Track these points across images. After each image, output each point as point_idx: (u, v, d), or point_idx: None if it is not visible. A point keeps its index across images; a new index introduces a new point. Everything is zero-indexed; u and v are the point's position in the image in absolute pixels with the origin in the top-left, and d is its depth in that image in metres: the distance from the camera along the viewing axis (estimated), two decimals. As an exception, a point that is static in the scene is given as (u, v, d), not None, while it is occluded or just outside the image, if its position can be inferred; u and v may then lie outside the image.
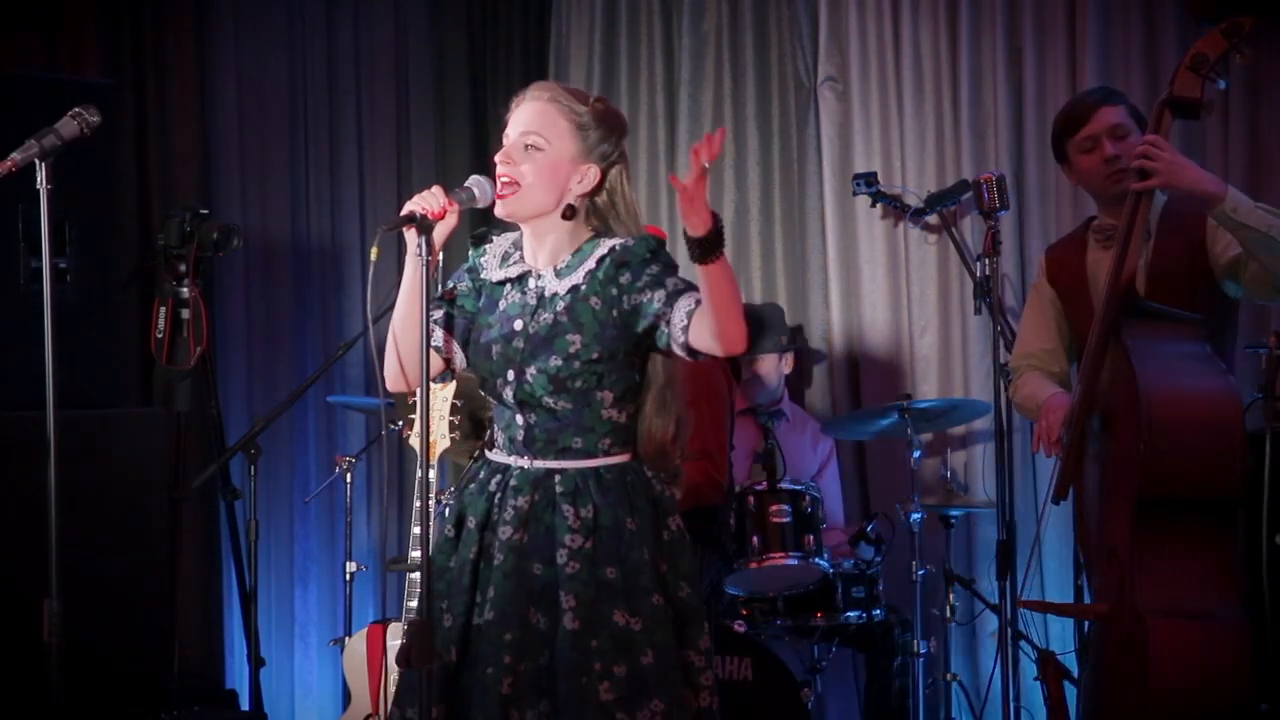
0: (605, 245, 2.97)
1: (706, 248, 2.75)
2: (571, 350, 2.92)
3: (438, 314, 3.06)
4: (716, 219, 2.76)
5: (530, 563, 2.92)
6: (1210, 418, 3.41)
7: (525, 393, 2.95)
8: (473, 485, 3.05)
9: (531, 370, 2.94)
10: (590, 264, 2.96)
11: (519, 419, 2.98)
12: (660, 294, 2.90)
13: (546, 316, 2.96)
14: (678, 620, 2.94)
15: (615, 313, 2.93)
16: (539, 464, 2.97)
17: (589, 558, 2.89)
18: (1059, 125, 3.92)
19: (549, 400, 2.94)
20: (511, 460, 3.00)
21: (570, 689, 2.84)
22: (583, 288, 2.95)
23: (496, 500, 2.98)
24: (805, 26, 5.57)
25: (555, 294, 2.97)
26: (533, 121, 2.97)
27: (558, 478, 2.95)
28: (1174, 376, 3.46)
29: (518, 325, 2.98)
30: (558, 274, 2.98)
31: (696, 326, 2.85)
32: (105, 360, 4.45)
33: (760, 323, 5.22)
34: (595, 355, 2.93)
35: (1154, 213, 3.74)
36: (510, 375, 2.97)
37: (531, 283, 3.02)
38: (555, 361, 2.92)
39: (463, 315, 3.07)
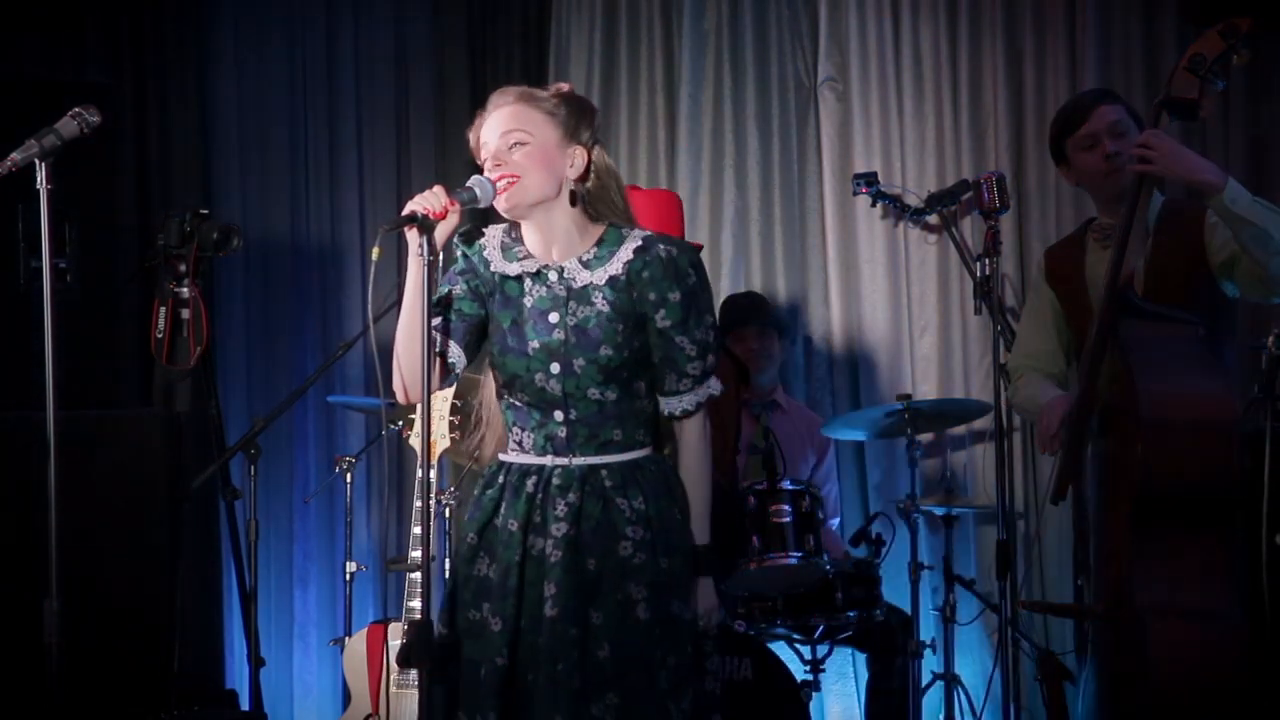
0: (637, 237, 2.98)
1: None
2: (619, 340, 2.94)
3: (436, 320, 3.04)
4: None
5: (585, 558, 2.92)
6: (1208, 418, 3.41)
7: (572, 385, 2.95)
8: (490, 490, 3.03)
9: (579, 362, 2.94)
10: (626, 255, 2.96)
11: (558, 414, 2.97)
12: (679, 356, 2.98)
13: (587, 309, 2.96)
14: None
15: (645, 313, 2.96)
16: (579, 460, 2.97)
17: (650, 548, 2.91)
18: (1057, 125, 3.92)
19: (595, 391, 2.94)
20: (547, 460, 2.99)
21: (639, 679, 2.86)
22: (622, 279, 2.96)
23: (538, 501, 2.97)
24: (805, 26, 5.57)
25: (590, 284, 2.96)
26: (508, 122, 2.96)
27: (604, 472, 2.96)
28: (1172, 376, 3.46)
29: (553, 318, 2.97)
30: (586, 265, 2.98)
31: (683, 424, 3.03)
32: (105, 360, 4.45)
33: (743, 305, 5.25)
34: (637, 344, 2.96)
35: (1152, 213, 3.74)
36: (555, 368, 2.96)
37: (553, 275, 3.00)
38: (606, 351, 2.93)
39: (461, 319, 3.05)
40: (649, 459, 3.00)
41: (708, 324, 2.99)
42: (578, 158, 2.98)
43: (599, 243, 2.98)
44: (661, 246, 2.97)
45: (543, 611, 2.89)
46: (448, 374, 3.08)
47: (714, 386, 3.02)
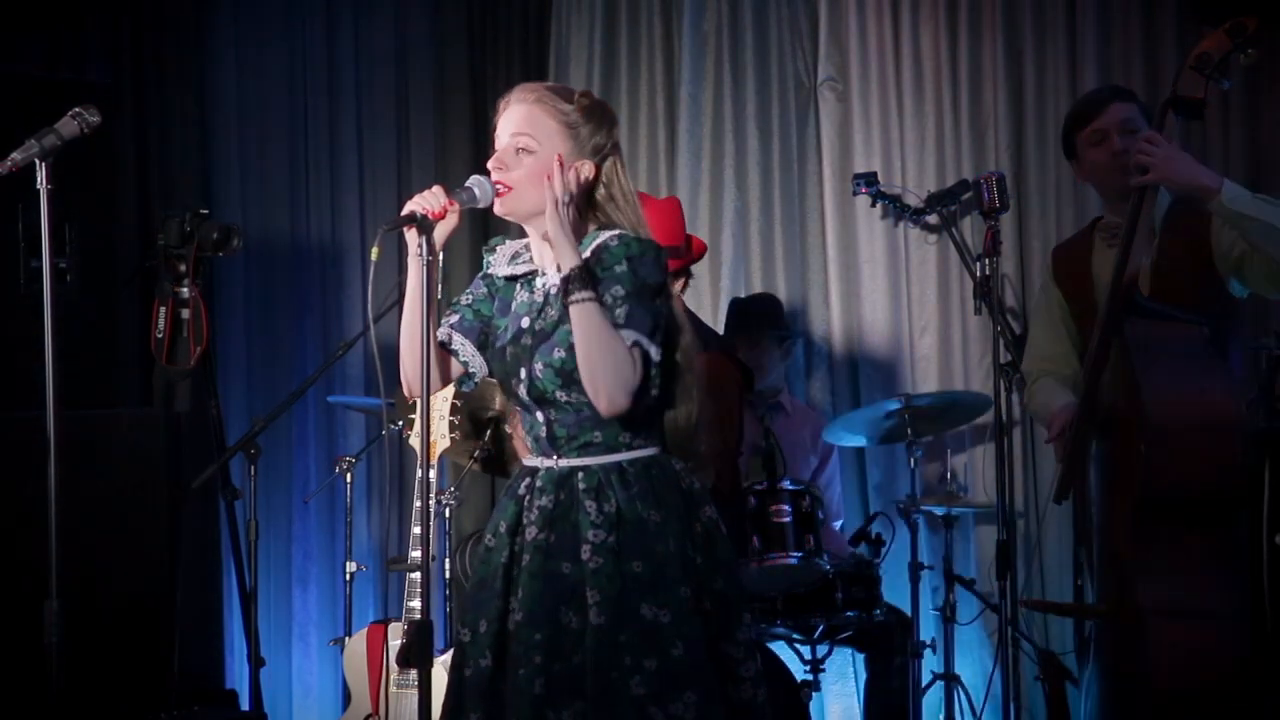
0: (601, 236, 2.95)
1: (565, 287, 2.84)
2: (571, 341, 2.90)
3: (454, 318, 3.06)
4: (579, 260, 2.83)
5: (558, 562, 2.90)
6: (1213, 418, 3.41)
7: (538, 390, 2.94)
8: (507, 494, 3.05)
9: (539, 365, 2.93)
10: (586, 254, 2.93)
11: (539, 416, 2.98)
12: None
13: (551, 312, 2.95)
14: (714, 612, 2.92)
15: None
16: (564, 463, 2.96)
17: (614, 552, 2.87)
18: (1070, 119, 3.92)
19: (561, 395, 2.92)
20: (539, 462, 3.00)
21: (600, 685, 2.82)
22: None
23: (525, 503, 2.98)
24: (805, 26, 5.58)
25: (556, 287, 2.96)
26: (522, 124, 2.95)
27: (580, 474, 2.93)
28: (1177, 377, 3.45)
29: (525, 323, 2.97)
30: (560, 270, 2.98)
31: None
32: (105, 360, 4.45)
33: (750, 313, 5.24)
34: None
35: (1158, 211, 3.73)
36: (522, 373, 2.96)
37: (539, 281, 3.01)
38: (559, 354, 2.91)
39: (480, 319, 3.06)
40: (636, 461, 2.94)
41: (618, 294, 2.87)
42: (584, 171, 2.96)
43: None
44: (607, 236, 2.93)
45: (516, 616, 2.91)
46: (466, 377, 3.08)
47: (642, 342, 2.87)
